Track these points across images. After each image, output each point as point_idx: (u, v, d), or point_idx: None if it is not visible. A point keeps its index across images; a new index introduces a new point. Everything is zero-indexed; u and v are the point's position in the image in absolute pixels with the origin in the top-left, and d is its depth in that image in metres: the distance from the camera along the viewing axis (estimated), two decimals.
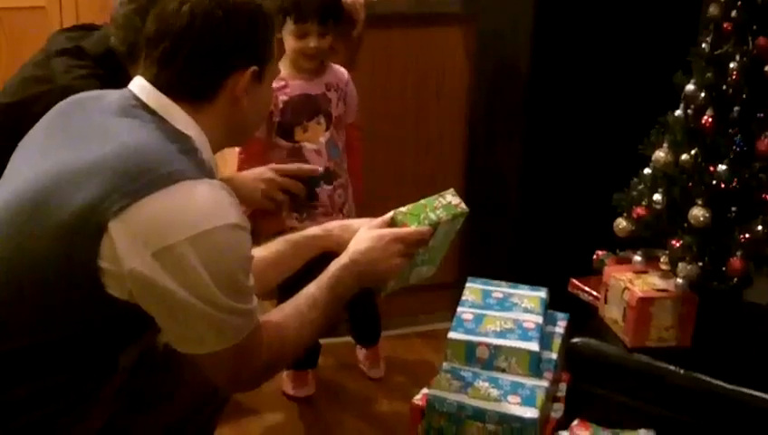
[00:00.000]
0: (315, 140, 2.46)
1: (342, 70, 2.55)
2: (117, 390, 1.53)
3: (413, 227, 1.66)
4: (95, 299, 1.32)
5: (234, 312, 1.36)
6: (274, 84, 2.37)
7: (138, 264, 1.29)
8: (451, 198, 1.75)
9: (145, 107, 1.42)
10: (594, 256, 2.27)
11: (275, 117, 2.43)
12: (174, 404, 1.67)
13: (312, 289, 1.56)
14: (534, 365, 2.04)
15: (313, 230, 1.81)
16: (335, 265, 1.60)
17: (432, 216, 1.69)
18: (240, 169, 2.48)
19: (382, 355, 2.76)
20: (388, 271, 1.63)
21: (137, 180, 1.30)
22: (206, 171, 1.39)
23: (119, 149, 1.34)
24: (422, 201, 1.72)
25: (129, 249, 1.29)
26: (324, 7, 2.38)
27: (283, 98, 2.43)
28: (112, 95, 1.48)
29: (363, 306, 2.58)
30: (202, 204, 1.33)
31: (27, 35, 3.11)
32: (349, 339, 2.78)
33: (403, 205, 1.73)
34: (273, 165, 2.07)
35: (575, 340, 2.15)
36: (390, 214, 1.70)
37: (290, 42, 2.40)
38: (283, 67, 2.43)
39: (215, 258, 1.32)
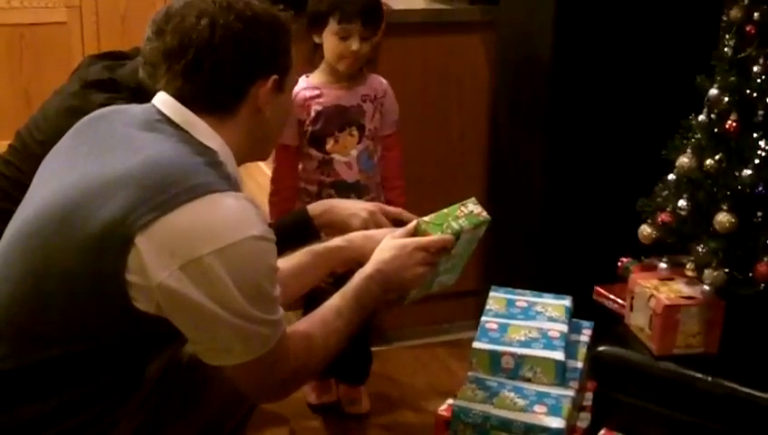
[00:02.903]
0: (346, 152, 2.43)
1: (382, 81, 2.51)
2: (142, 401, 1.54)
3: (436, 236, 1.67)
4: (123, 312, 1.34)
5: (260, 322, 1.37)
6: (308, 93, 2.40)
7: (165, 277, 1.30)
8: (473, 206, 1.76)
9: (169, 121, 1.44)
10: (619, 264, 2.26)
11: (307, 126, 2.41)
12: (200, 415, 1.68)
13: (337, 299, 1.58)
14: (560, 374, 2.02)
15: (336, 241, 1.81)
16: (360, 275, 1.61)
17: (455, 224, 1.70)
18: (274, 178, 2.47)
19: (365, 391, 2.61)
20: (412, 280, 1.64)
21: (163, 194, 1.31)
22: (231, 184, 1.40)
23: (144, 163, 1.35)
24: (444, 210, 1.73)
25: (156, 262, 1.30)
26: (368, 9, 2.35)
27: (316, 107, 2.40)
28: (136, 109, 1.50)
29: (355, 343, 2.20)
30: (228, 216, 1.34)
31: (49, 50, 3.15)
32: (375, 348, 2.76)
33: (425, 212, 1.75)
34: (381, 204, 2.05)
35: (601, 348, 2.13)
36: (413, 223, 1.71)
37: (331, 43, 2.36)
38: (320, 75, 2.42)
39: (241, 270, 1.34)
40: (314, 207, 2.08)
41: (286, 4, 1.57)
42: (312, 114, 2.40)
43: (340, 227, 1.94)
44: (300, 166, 2.46)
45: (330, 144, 2.42)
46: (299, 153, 2.43)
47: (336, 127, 2.42)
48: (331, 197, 2.40)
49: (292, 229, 1.98)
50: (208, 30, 1.41)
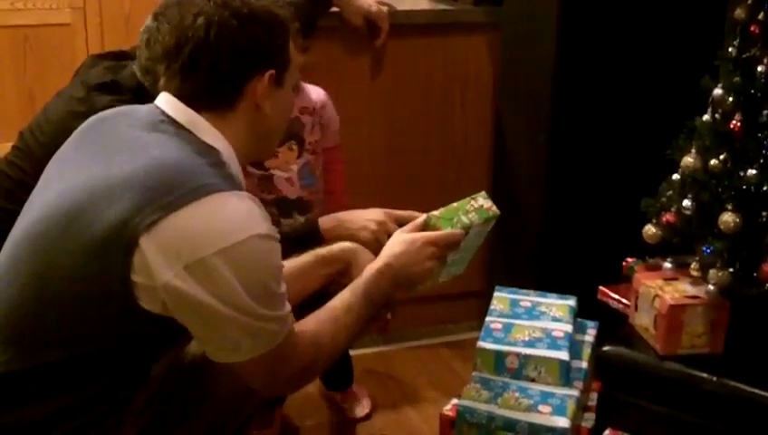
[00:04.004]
0: (287, 167, 2.34)
1: (319, 92, 2.41)
2: (148, 399, 1.54)
3: (446, 231, 1.67)
4: (129, 312, 1.34)
5: (267, 319, 1.38)
6: None
7: (170, 277, 1.30)
8: (483, 201, 1.76)
9: (173, 121, 1.44)
10: (623, 264, 2.25)
11: None
12: (205, 413, 1.68)
13: (346, 294, 1.58)
14: (564, 374, 2.02)
15: (340, 245, 1.82)
16: (369, 270, 1.62)
17: (464, 219, 1.70)
18: None
19: (363, 391, 2.60)
20: (421, 274, 1.65)
21: (168, 195, 1.31)
22: (234, 184, 1.40)
23: (149, 164, 1.35)
24: (454, 204, 1.73)
25: (161, 263, 1.30)
26: (306, 21, 2.16)
27: None
28: (141, 110, 1.50)
29: None
30: (232, 216, 1.34)
31: (53, 51, 3.15)
32: (379, 349, 2.77)
33: (429, 212, 1.74)
34: (388, 210, 2.00)
35: (605, 348, 2.13)
36: (423, 217, 1.71)
37: None
38: None
39: (246, 269, 1.34)
40: (324, 222, 2.07)
41: None
42: None
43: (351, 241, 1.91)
44: None
45: (269, 159, 2.31)
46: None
47: None
48: (273, 215, 2.21)
49: (303, 243, 1.94)
50: (204, 28, 1.42)
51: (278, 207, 2.33)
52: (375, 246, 1.87)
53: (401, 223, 1.84)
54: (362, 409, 2.57)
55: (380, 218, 1.97)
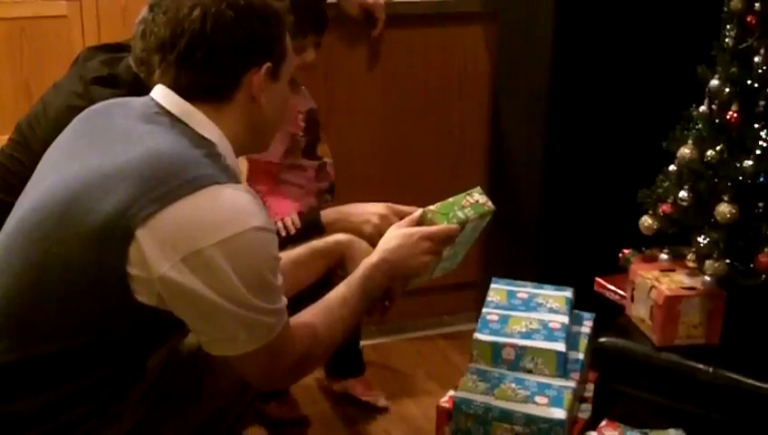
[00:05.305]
0: (329, 153, 2.40)
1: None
2: (144, 391, 1.54)
3: (442, 226, 1.68)
4: (123, 304, 1.33)
5: (264, 312, 1.37)
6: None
7: (167, 269, 1.30)
8: (478, 196, 1.76)
9: (167, 113, 1.44)
10: (620, 255, 2.26)
11: (299, 135, 2.34)
12: (202, 405, 1.68)
13: (342, 288, 1.58)
14: (561, 366, 2.03)
15: (336, 237, 1.82)
16: (365, 264, 1.62)
17: (460, 214, 1.71)
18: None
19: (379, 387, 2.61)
20: (417, 268, 1.65)
21: (164, 186, 1.31)
22: (230, 176, 1.40)
23: (145, 155, 1.35)
24: (450, 199, 1.74)
25: (157, 255, 1.30)
26: (319, 18, 2.27)
27: (300, 116, 2.34)
28: (136, 102, 1.50)
29: None
30: (228, 208, 1.34)
31: (50, 43, 3.14)
32: (376, 340, 2.76)
33: (427, 203, 1.74)
34: (390, 204, 1.98)
35: (602, 339, 2.14)
36: (419, 212, 1.72)
37: None
38: None
39: (243, 261, 1.34)
40: (327, 215, 2.07)
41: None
42: (302, 123, 2.34)
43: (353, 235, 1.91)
44: (292, 182, 2.35)
45: (321, 149, 2.36)
46: (281, 169, 2.32)
47: (318, 130, 2.38)
48: (327, 202, 2.34)
49: (306, 236, 1.94)
50: (200, 20, 1.41)
51: (331, 192, 2.38)
52: (377, 239, 1.82)
53: (403, 218, 1.84)
54: (377, 397, 2.56)
55: (383, 212, 1.97)
